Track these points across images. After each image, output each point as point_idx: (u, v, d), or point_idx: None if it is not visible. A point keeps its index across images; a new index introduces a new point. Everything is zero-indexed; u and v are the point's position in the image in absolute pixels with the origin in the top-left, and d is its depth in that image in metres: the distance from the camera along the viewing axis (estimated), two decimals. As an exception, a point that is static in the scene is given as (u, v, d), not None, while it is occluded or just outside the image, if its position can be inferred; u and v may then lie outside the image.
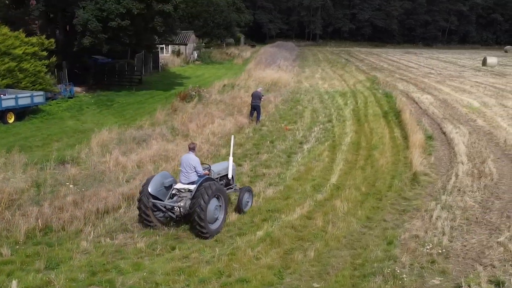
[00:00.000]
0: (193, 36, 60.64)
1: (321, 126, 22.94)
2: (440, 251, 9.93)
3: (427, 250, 9.95)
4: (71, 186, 12.87)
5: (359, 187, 14.25)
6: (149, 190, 10.73)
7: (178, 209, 10.73)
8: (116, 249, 9.97)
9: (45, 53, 26.09)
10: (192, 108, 24.80)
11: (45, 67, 25.50)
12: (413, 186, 14.57)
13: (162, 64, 47.22)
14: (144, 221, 10.91)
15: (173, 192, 11.17)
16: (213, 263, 9.31)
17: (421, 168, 15.88)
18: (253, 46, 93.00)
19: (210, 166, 11.90)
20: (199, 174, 11.20)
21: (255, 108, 23.04)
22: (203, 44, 71.64)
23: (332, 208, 12.53)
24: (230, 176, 12.42)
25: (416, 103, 30.58)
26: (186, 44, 58.24)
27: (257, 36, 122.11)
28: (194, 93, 26.66)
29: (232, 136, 13.91)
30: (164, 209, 11.05)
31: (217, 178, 11.94)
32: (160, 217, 11.14)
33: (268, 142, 19.47)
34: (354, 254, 10.00)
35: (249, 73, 40.35)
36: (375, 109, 27.78)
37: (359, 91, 35.52)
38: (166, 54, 56.08)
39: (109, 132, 18.13)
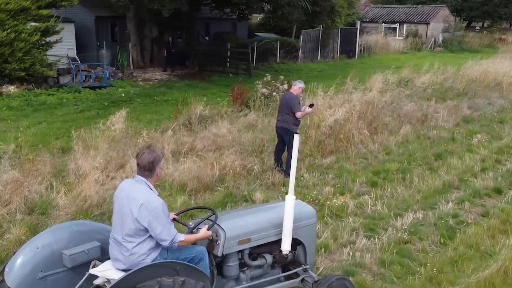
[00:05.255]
0: (442, 12, 42.30)
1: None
2: None
3: None
4: None
5: None
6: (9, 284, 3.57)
7: None
8: None
9: (45, 12, 15.85)
10: (231, 123, 11.76)
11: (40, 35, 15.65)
12: None
13: (362, 47, 33.70)
14: None
15: (97, 283, 3.65)
16: None
17: None
18: None
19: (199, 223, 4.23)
20: (167, 244, 3.68)
21: (282, 137, 9.07)
22: (467, 24, 51.32)
23: None
24: (286, 246, 4.38)
25: None
26: (427, 23, 40.92)
27: None
28: (264, 90, 13.02)
29: (297, 136, 4.66)
30: None
31: (233, 254, 4.26)
32: None
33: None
34: None
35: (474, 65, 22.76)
36: None
37: None
38: (399, 38, 40.18)
39: None
